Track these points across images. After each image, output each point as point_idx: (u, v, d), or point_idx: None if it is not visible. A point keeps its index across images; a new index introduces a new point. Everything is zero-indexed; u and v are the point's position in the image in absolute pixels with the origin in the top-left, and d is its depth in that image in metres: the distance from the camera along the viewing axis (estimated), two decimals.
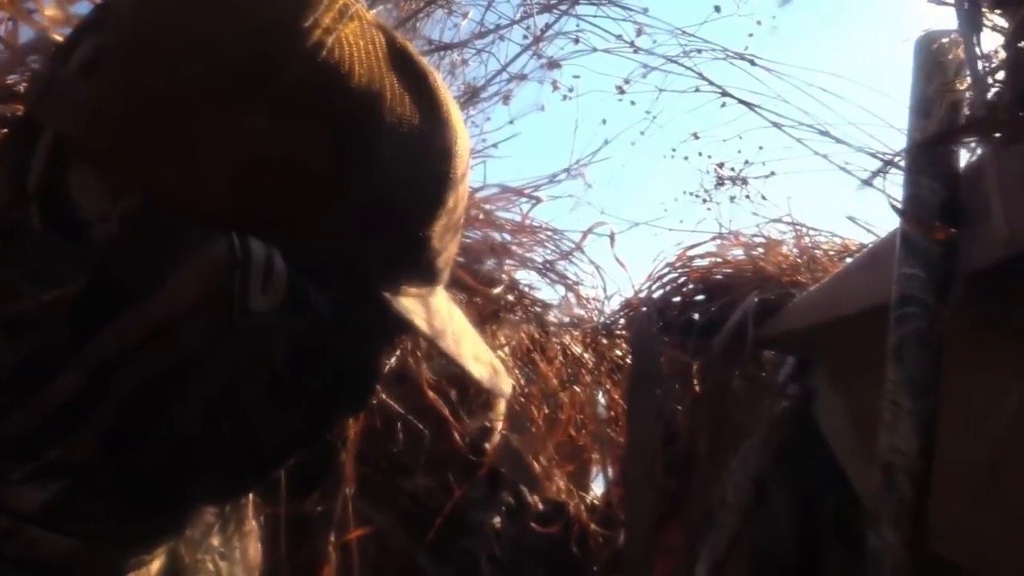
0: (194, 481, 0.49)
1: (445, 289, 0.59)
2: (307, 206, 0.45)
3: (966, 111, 0.72)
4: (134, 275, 0.43)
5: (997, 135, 0.66)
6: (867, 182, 0.78)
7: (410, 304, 0.52)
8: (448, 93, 0.54)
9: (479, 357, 0.60)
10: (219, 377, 0.45)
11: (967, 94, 0.73)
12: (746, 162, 1.94)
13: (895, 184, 0.89)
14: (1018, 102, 0.62)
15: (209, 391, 0.45)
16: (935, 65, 0.84)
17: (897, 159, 0.80)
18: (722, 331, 1.49)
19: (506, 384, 0.64)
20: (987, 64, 0.66)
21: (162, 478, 0.47)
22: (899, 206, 0.85)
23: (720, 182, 1.91)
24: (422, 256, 0.52)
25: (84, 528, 0.45)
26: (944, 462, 1.26)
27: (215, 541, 1.20)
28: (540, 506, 1.91)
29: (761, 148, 1.92)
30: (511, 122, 1.99)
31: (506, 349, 1.67)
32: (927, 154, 0.84)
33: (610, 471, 1.93)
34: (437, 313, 0.54)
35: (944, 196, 0.83)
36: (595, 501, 1.96)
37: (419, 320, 0.52)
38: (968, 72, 0.71)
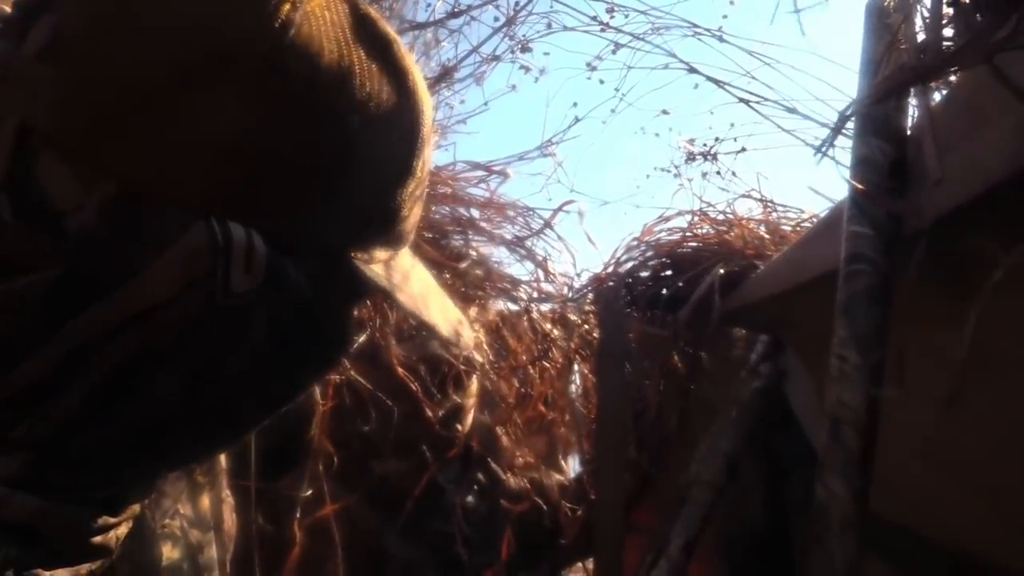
0: (165, 451, 0.50)
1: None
2: (282, 187, 0.45)
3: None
4: (113, 263, 0.42)
5: (927, 78, 0.67)
6: (820, 149, 0.79)
7: (380, 268, 0.52)
8: (411, 58, 0.53)
9: (446, 314, 0.61)
10: (199, 356, 0.45)
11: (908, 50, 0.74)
12: (716, 138, 1.94)
13: (847, 148, 0.90)
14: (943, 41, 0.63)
15: (189, 369, 0.45)
16: (883, 27, 0.84)
17: (846, 122, 0.80)
18: (688, 303, 1.49)
19: (470, 340, 0.65)
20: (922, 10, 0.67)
21: (132, 450, 0.47)
22: (848, 170, 0.86)
23: (691, 157, 1.92)
24: (393, 224, 0.53)
25: (50, 492, 0.45)
26: (906, 432, 1.28)
27: (185, 507, 1.20)
28: (512, 484, 1.92)
29: (732, 125, 1.93)
30: (485, 104, 1.99)
31: (476, 326, 1.67)
32: (876, 116, 0.85)
33: (582, 447, 1.93)
34: (403, 273, 0.55)
35: (893, 156, 0.84)
36: (564, 478, 1.97)
37: (389, 284, 0.52)
38: (905, 23, 0.72)
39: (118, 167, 0.42)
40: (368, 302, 1.50)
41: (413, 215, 0.55)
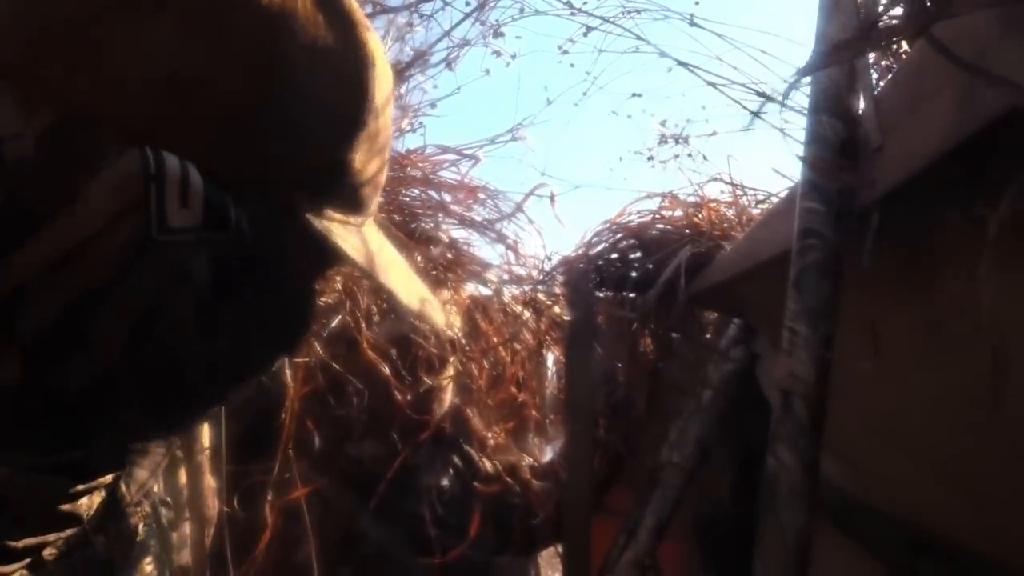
0: (120, 408, 0.49)
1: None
2: (219, 123, 0.46)
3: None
4: (49, 193, 0.42)
5: (865, 48, 0.69)
6: (755, 114, 0.81)
7: (336, 229, 0.52)
8: (363, 16, 0.54)
9: (411, 287, 0.61)
10: (140, 298, 0.45)
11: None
12: (687, 120, 1.96)
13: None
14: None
15: (129, 312, 0.45)
16: (835, 4, 0.86)
17: (791, 92, 0.82)
18: (656, 285, 1.51)
19: (438, 316, 0.66)
20: None
21: (87, 405, 0.47)
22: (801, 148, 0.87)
23: (663, 140, 1.93)
24: (343, 179, 0.53)
25: (15, 456, 0.45)
26: (864, 408, 1.30)
27: (158, 484, 1.20)
28: (486, 466, 1.93)
29: (704, 107, 1.94)
30: (458, 88, 1.99)
31: (448, 308, 1.68)
32: (828, 94, 0.86)
33: (553, 429, 1.95)
34: (366, 242, 0.55)
35: (844, 134, 0.85)
36: (536, 460, 1.98)
37: (346, 245, 0.52)
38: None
39: (56, 93, 0.42)
40: (339, 287, 1.50)
41: (371, 177, 0.55)
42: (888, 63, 0.92)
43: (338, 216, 0.53)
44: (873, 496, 1.37)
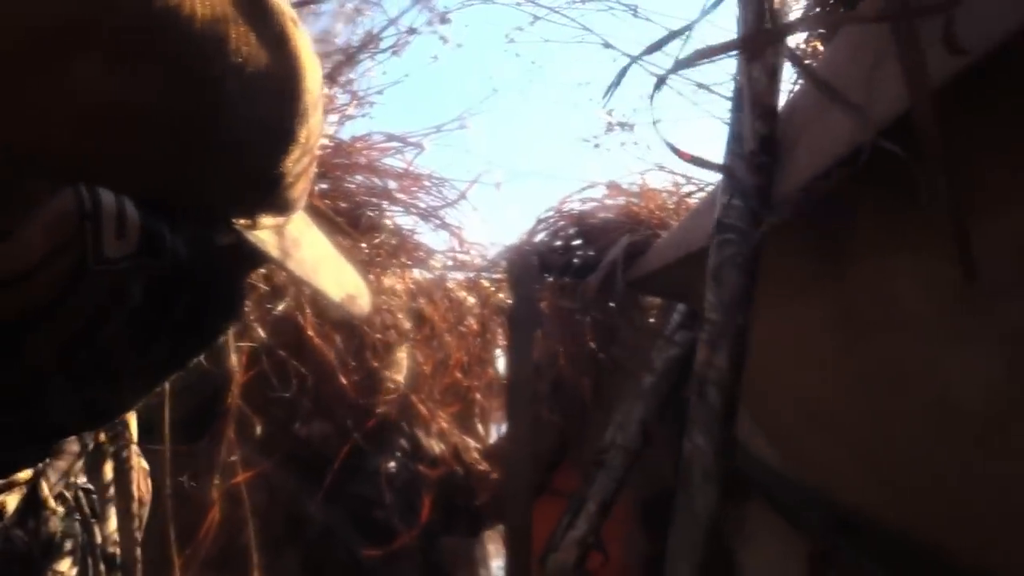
0: (50, 412, 0.50)
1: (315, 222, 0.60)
2: (154, 150, 0.45)
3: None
4: None
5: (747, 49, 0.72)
6: (606, 94, 0.83)
7: (266, 235, 0.53)
8: (296, 25, 0.53)
9: (341, 280, 0.62)
10: (75, 319, 0.46)
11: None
12: (633, 110, 1.98)
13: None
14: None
15: (65, 332, 0.46)
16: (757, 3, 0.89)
17: (627, 72, 0.84)
18: (596, 271, 1.54)
19: (366, 307, 0.66)
20: None
21: (14, 410, 0.48)
22: (677, 147, 0.89)
23: (609, 127, 1.95)
24: (276, 190, 0.53)
25: None
26: (791, 393, 1.35)
27: (81, 477, 1.19)
28: (433, 449, 1.96)
29: (645, 97, 1.96)
30: (406, 76, 1.99)
31: (392, 295, 1.70)
32: (747, 92, 0.89)
33: (497, 413, 1.98)
34: (294, 240, 0.56)
35: (763, 132, 0.88)
36: (481, 443, 2.01)
37: (275, 251, 0.53)
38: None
39: None
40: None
41: (300, 183, 0.55)
42: (809, 62, 0.95)
43: (270, 222, 0.53)
44: (800, 475, 1.43)
